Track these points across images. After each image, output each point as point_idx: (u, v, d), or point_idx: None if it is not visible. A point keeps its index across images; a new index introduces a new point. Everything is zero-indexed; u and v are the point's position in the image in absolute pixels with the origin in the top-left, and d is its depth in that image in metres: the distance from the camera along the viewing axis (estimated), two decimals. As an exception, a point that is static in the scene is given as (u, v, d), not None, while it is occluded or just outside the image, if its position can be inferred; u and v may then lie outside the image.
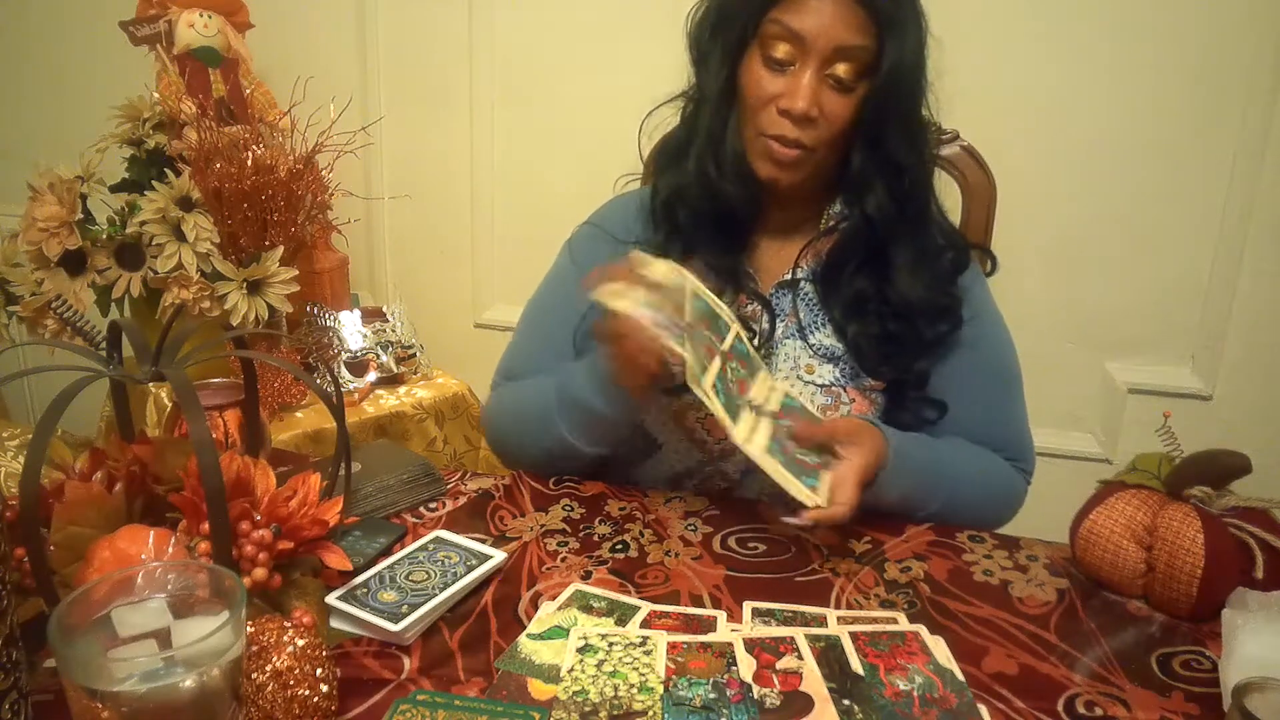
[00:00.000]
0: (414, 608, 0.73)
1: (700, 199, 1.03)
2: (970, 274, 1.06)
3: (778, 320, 1.05)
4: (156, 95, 1.59)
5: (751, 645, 0.71)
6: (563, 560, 0.87)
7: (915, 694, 0.67)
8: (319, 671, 0.61)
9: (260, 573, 0.68)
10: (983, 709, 0.66)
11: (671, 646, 0.71)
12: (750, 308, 1.06)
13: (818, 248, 1.07)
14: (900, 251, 1.01)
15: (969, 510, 0.99)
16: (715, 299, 0.91)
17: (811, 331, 1.05)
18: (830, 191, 1.06)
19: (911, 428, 1.02)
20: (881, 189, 0.99)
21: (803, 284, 1.07)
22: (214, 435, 0.68)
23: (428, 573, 0.79)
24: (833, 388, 1.04)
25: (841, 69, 0.93)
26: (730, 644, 0.71)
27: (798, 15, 0.93)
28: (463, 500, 0.98)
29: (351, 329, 1.68)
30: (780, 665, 0.69)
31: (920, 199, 1.03)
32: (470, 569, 0.80)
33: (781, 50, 0.94)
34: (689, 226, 1.04)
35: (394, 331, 1.72)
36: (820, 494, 0.85)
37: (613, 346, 0.89)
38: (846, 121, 0.96)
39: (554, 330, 1.11)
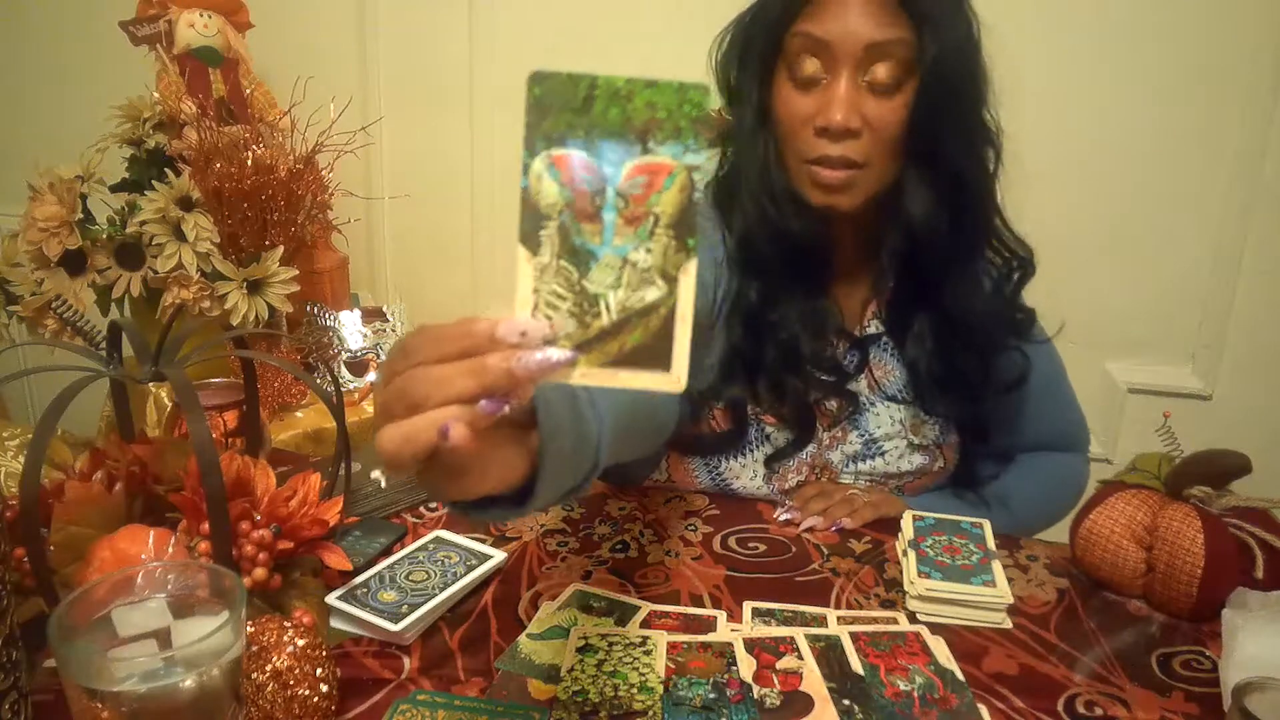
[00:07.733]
0: (414, 608, 0.73)
1: (766, 241, 0.93)
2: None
3: (874, 375, 0.99)
4: (156, 95, 1.59)
5: (751, 645, 0.71)
6: (563, 560, 0.86)
7: (915, 694, 0.67)
8: (319, 671, 0.61)
9: (260, 573, 0.68)
10: (983, 709, 0.66)
11: (671, 646, 0.71)
12: (840, 348, 0.98)
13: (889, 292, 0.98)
14: (958, 270, 0.93)
15: (1042, 523, 1.07)
16: None
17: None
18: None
19: (979, 475, 1.05)
20: (929, 197, 0.89)
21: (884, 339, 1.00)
22: (214, 435, 0.68)
23: (428, 573, 0.79)
24: (930, 447, 1.00)
25: (881, 70, 0.84)
26: (730, 644, 0.71)
27: (820, 22, 0.84)
28: (463, 500, 0.98)
29: (351, 329, 1.68)
30: (780, 665, 0.69)
31: (982, 209, 0.93)
32: (470, 569, 0.80)
33: (810, 65, 0.85)
34: (763, 270, 0.95)
35: (394, 331, 1.72)
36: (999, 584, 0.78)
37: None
38: (897, 127, 0.85)
39: None
